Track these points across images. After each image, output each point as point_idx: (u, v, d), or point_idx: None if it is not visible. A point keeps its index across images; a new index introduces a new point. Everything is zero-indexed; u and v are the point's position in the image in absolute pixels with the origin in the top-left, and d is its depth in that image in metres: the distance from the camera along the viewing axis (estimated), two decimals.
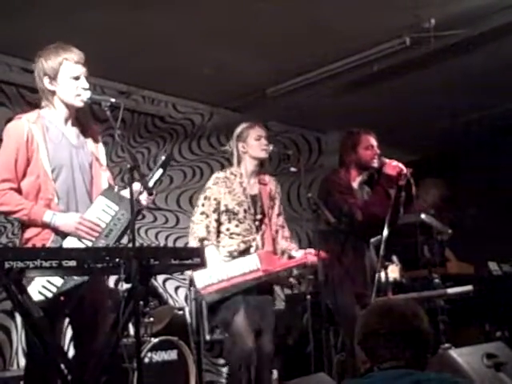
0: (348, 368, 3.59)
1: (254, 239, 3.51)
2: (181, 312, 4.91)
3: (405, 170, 3.54)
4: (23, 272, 2.36)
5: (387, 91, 5.94)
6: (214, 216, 3.49)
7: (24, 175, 2.73)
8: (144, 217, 5.82)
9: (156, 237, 5.89)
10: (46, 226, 2.69)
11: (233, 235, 3.51)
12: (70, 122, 2.88)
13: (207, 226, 3.49)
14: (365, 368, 1.93)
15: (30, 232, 2.74)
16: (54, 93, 2.83)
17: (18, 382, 3.91)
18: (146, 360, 4.10)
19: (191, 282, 3.55)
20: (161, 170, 2.79)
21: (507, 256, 5.80)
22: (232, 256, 3.44)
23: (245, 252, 3.45)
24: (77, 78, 2.82)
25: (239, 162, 3.65)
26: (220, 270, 3.33)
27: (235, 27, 4.78)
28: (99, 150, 2.98)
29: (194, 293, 3.64)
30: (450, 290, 4.19)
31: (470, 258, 5.48)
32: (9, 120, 2.85)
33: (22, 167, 2.71)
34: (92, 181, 2.88)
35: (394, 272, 4.67)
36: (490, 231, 6.47)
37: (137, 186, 2.73)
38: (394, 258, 4.84)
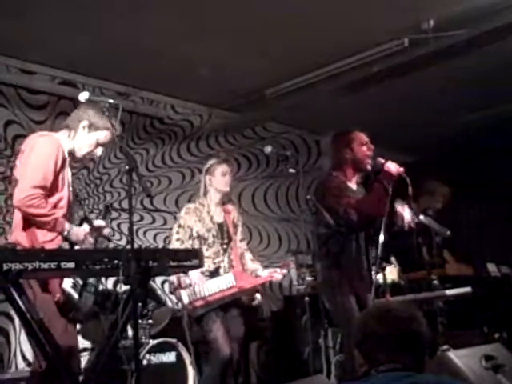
0: (347, 370, 3.58)
1: (221, 261, 3.93)
2: (179, 314, 4.90)
3: (402, 170, 3.54)
4: (22, 273, 2.36)
5: (386, 92, 5.94)
6: (190, 242, 3.92)
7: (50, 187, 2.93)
8: (142, 218, 5.83)
9: (154, 238, 5.89)
10: (60, 232, 2.88)
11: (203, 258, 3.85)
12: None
13: None
14: (361, 371, 1.93)
15: (45, 236, 2.85)
16: (78, 132, 3.06)
17: None
18: (145, 362, 4.10)
19: (178, 299, 3.92)
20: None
21: (506, 257, 5.80)
22: (202, 273, 3.82)
23: (215, 272, 3.88)
24: (98, 145, 3.08)
25: (205, 193, 4.05)
26: (202, 287, 3.78)
27: (234, 29, 4.78)
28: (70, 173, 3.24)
29: (182, 308, 3.96)
30: (449, 292, 4.19)
31: (468, 259, 5.48)
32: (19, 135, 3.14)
33: (53, 180, 2.91)
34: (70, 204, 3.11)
35: (392, 274, 4.68)
36: (488, 233, 6.48)
37: (100, 222, 3.07)
38: (393, 259, 4.84)
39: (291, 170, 3.73)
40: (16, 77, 5.17)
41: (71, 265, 2.38)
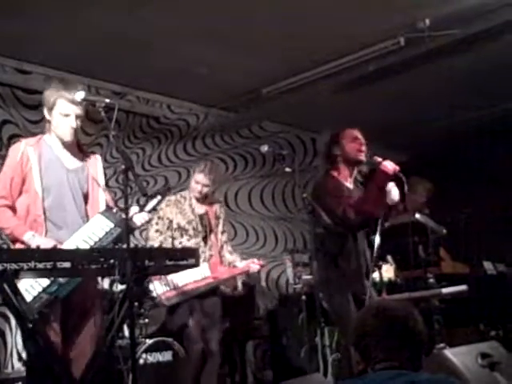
0: (343, 368, 3.58)
1: (202, 252, 3.99)
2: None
3: (398, 168, 3.53)
4: (17, 274, 2.35)
5: (382, 91, 5.95)
6: (168, 233, 4.05)
7: (20, 193, 2.93)
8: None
9: None
10: (24, 244, 2.82)
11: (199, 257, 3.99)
12: (66, 148, 3.07)
13: (161, 242, 4.04)
14: (358, 369, 1.93)
15: (18, 246, 2.87)
16: (50, 122, 3.05)
17: None
18: (141, 361, 4.09)
19: (152, 289, 3.98)
20: (159, 197, 2.97)
21: (502, 255, 5.81)
22: None
23: None
24: (66, 116, 2.99)
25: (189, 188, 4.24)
26: (176, 277, 3.83)
27: (230, 28, 4.78)
28: (99, 174, 3.17)
29: (155, 298, 4.04)
30: (445, 290, 4.20)
31: (464, 257, 5.49)
32: (15, 135, 3.28)
33: (17, 186, 2.93)
34: (87, 203, 3.06)
35: (388, 272, 4.68)
36: (484, 231, 6.48)
37: (134, 209, 2.95)
38: (389, 257, 4.84)
39: (288, 169, 3.73)
40: (11, 76, 5.16)
41: (67, 264, 2.38)
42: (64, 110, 2.98)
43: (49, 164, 2.99)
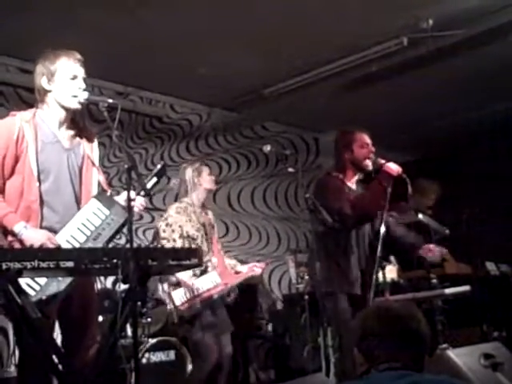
0: (346, 369, 3.58)
1: (209, 260, 3.98)
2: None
3: (401, 170, 3.53)
4: (21, 273, 2.35)
5: (385, 91, 5.95)
6: (180, 241, 3.92)
7: (12, 173, 2.70)
8: (142, 217, 5.82)
9: None
10: (14, 235, 2.64)
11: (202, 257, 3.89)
12: (64, 125, 2.86)
13: None
14: (362, 370, 1.93)
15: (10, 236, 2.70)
16: (50, 93, 2.81)
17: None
18: (144, 360, 4.10)
19: (171, 299, 3.90)
20: (155, 179, 2.80)
21: (505, 256, 5.80)
22: (194, 274, 3.89)
23: (204, 271, 3.93)
24: (74, 78, 2.81)
25: (189, 194, 4.10)
26: (191, 287, 3.82)
27: (233, 28, 4.79)
28: (94, 153, 2.95)
29: (175, 309, 3.90)
30: (448, 291, 4.19)
31: (467, 258, 5.48)
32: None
33: (9, 165, 2.68)
34: (81, 185, 2.86)
35: (391, 272, 4.68)
36: (487, 231, 6.47)
37: (123, 196, 2.71)
38: (392, 258, 4.84)
39: (290, 169, 3.73)
40: (15, 76, 5.18)
41: (70, 264, 2.38)
42: (72, 72, 2.78)
43: (46, 143, 2.76)
